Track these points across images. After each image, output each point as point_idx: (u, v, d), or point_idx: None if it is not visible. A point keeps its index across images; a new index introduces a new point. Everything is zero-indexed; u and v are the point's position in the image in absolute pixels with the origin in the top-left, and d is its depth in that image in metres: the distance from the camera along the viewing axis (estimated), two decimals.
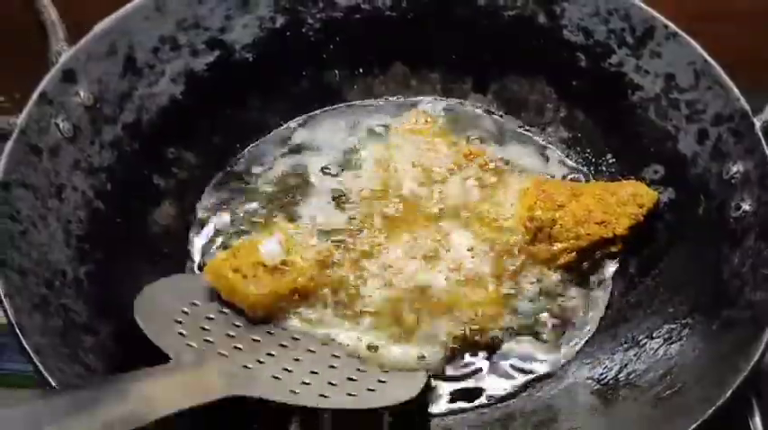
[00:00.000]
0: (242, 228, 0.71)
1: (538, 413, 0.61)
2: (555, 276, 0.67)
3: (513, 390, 0.63)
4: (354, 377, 0.60)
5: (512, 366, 0.64)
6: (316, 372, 0.59)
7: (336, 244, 0.66)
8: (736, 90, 0.63)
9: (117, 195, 0.66)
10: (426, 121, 0.75)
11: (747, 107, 0.62)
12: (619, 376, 0.61)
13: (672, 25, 0.67)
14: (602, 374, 0.62)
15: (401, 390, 0.60)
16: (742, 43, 0.82)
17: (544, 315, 0.66)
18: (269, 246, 0.63)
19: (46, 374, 0.51)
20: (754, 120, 0.61)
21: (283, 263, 0.62)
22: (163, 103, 0.71)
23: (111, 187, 0.66)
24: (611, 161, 0.74)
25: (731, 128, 0.63)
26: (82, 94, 0.65)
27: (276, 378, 0.58)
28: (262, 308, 0.62)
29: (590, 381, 0.62)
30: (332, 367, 0.61)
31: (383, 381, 0.60)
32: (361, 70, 0.79)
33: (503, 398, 0.63)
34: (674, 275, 0.64)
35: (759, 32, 0.88)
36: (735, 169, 0.62)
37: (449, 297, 0.63)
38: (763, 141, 0.60)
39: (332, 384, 0.59)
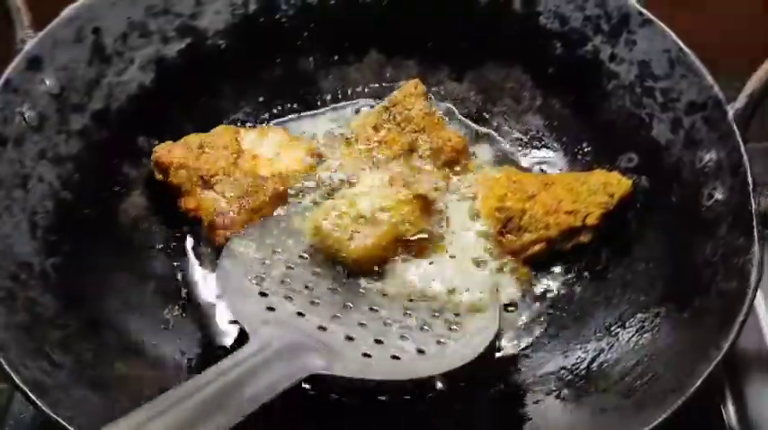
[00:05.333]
0: None
1: (507, 400, 0.61)
2: (524, 268, 0.67)
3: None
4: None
5: None
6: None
7: None
8: (709, 78, 0.62)
9: (85, 185, 0.65)
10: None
11: (721, 95, 0.61)
12: (591, 366, 0.61)
13: (646, 12, 0.67)
14: (574, 364, 0.62)
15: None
16: (722, 30, 0.82)
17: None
18: None
19: (9, 370, 0.50)
20: (727, 108, 0.61)
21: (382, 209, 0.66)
22: (132, 91, 0.70)
23: (79, 177, 0.65)
24: (586, 149, 0.73)
25: (704, 116, 0.62)
26: (48, 81, 0.63)
27: (366, 355, 0.57)
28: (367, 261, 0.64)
29: (563, 371, 0.62)
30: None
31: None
32: (336, 58, 0.78)
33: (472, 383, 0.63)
34: (647, 265, 0.64)
35: (738, 20, 0.87)
36: (708, 158, 0.61)
37: None
38: (736, 130, 0.59)
39: (404, 337, 0.59)
